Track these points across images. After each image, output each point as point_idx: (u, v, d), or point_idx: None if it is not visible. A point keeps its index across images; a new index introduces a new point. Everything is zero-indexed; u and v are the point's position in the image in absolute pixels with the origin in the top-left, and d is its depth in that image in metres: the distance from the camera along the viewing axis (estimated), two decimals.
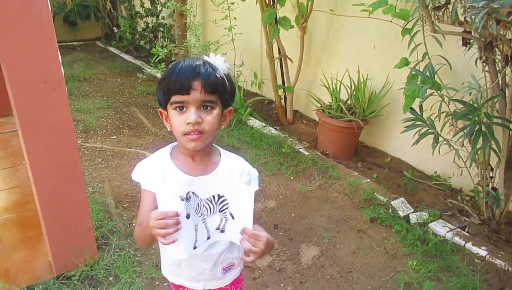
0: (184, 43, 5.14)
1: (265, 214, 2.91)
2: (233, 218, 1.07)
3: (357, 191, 3.17)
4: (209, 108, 1.11)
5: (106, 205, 2.95)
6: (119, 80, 6.06)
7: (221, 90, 1.11)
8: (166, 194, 0.99)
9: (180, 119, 1.10)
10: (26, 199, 2.96)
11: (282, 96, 4.56)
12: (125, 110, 4.87)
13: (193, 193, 1.02)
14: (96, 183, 3.23)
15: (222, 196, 1.06)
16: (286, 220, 2.86)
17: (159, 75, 6.02)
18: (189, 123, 1.08)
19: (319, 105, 3.86)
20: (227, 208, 1.07)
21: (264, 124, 4.33)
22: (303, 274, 2.38)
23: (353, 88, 3.67)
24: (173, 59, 5.73)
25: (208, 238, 1.12)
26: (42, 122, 1.99)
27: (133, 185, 3.28)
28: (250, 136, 4.03)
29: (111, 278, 2.29)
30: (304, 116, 4.69)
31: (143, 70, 6.32)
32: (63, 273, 2.24)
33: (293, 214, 2.93)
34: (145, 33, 7.25)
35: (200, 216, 1.07)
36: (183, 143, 1.14)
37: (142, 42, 7.62)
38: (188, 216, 1.02)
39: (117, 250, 2.49)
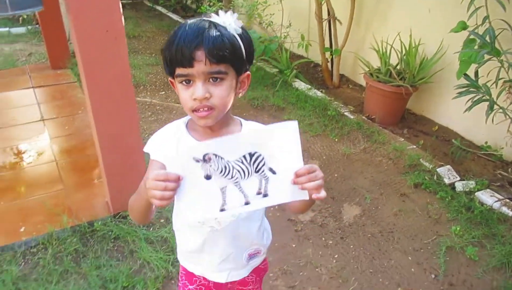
0: (231, 2, 5.12)
1: None
2: (274, 173, 0.92)
3: (402, 156, 3.15)
4: (218, 80, 0.95)
5: None
6: (166, 38, 6.15)
7: (231, 57, 0.95)
8: (176, 157, 0.90)
9: (186, 94, 0.97)
10: (84, 145, 3.15)
11: (329, 59, 4.50)
12: None
13: (215, 155, 0.89)
14: (146, 135, 3.38)
15: (255, 153, 0.90)
16: (329, 179, 2.90)
17: None
18: (195, 99, 0.95)
19: (367, 69, 3.79)
20: (263, 164, 0.91)
21: (309, 86, 4.31)
22: (344, 230, 2.44)
23: (403, 52, 3.57)
24: None
25: (247, 203, 0.94)
26: (103, 70, 2.10)
27: None
28: (295, 98, 4.04)
29: (162, 221, 2.44)
30: (350, 80, 4.63)
31: None
32: (119, 213, 2.41)
33: (336, 175, 2.96)
34: None
35: (230, 179, 0.92)
36: (194, 119, 1.02)
37: (189, 2, 7.64)
38: (208, 177, 0.91)
39: None
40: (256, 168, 0.91)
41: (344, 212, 2.60)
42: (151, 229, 2.37)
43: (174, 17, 7.35)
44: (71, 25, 2.01)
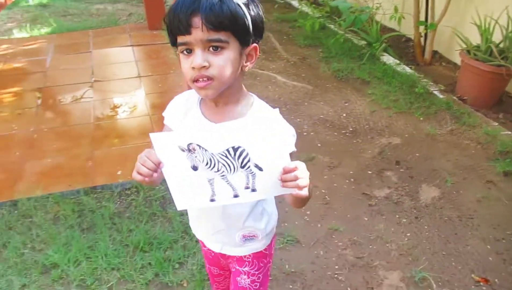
0: None
1: (388, 149, 2.91)
2: (261, 169, 0.90)
3: (493, 141, 2.95)
4: (218, 48, 0.92)
5: None
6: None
7: (232, 25, 0.91)
8: (165, 140, 0.89)
9: (187, 64, 0.94)
10: None
11: (423, 34, 4.26)
12: None
13: (198, 145, 0.87)
14: None
15: (239, 147, 0.87)
16: (409, 158, 2.83)
17: (295, 3, 6.02)
18: (194, 67, 0.92)
19: (464, 46, 3.54)
20: (248, 161, 0.88)
21: (398, 61, 4.14)
22: (420, 210, 2.40)
23: (510, 29, 3.28)
24: None
25: (236, 196, 0.95)
26: None
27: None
28: (382, 72, 3.91)
29: None
30: (444, 57, 4.35)
31: None
32: None
33: (417, 154, 2.87)
34: None
35: (216, 172, 0.91)
36: (195, 91, 1.00)
37: None
38: (195, 168, 0.90)
39: None
40: (242, 163, 0.89)
41: (422, 192, 2.54)
42: None
43: None
44: None
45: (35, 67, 4.27)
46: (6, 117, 3.36)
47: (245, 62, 0.98)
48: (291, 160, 0.90)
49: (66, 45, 4.84)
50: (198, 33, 0.89)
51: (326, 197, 2.49)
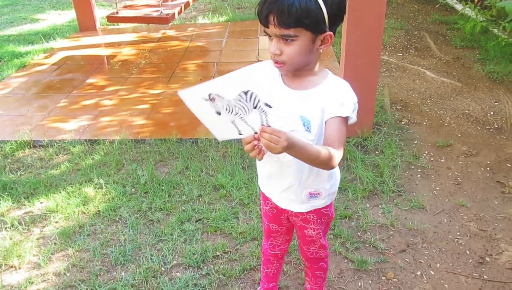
0: None
1: None
2: (270, 107, 1.02)
3: None
4: (289, 39, 1.11)
5: (383, 103, 3.51)
6: (415, 6, 6.28)
7: (300, 23, 1.08)
8: (191, 94, 1.04)
9: (269, 47, 1.17)
10: None
11: None
12: (415, 33, 5.17)
13: (217, 95, 1.01)
14: (378, 87, 3.80)
15: (248, 90, 1.00)
16: None
17: (458, 6, 5.94)
18: (271, 53, 1.15)
19: None
20: (258, 100, 1.01)
21: None
22: None
23: None
24: None
25: (256, 133, 1.07)
26: (363, 11, 2.59)
27: (409, 93, 3.71)
28: None
29: (377, 152, 2.89)
30: None
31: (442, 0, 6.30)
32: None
33: None
34: None
35: (235, 115, 1.05)
36: None
37: None
38: (218, 113, 1.05)
39: (386, 135, 3.05)
40: (254, 104, 1.01)
41: None
42: (366, 154, 2.85)
43: None
44: None
45: (213, 47, 5.15)
46: (191, 81, 4.21)
47: (320, 46, 1.16)
48: (347, 128, 1.16)
49: (239, 31, 5.68)
50: (273, 28, 1.11)
51: (458, 178, 2.64)
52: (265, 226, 1.62)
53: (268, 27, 1.11)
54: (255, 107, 1.02)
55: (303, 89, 1.22)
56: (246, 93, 1.00)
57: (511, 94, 3.60)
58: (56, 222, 2.42)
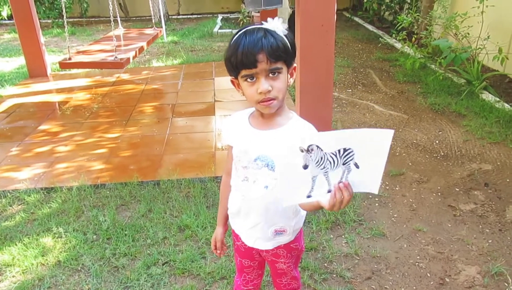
0: (429, 13, 5.34)
1: (478, 173, 3.11)
2: (357, 167, 1.04)
3: None
4: (276, 73, 1.19)
5: None
6: (359, 45, 6.72)
7: (284, 55, 1.19)
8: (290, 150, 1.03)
9: (252, 90, 1.20)
10: None
11: None
12: (361, 70, 5.51)
13: (317, 146, 1.01)
14: (332, 122, 3.99)
15: (349, 149, 1.02)
16: (500, 182, 3.00)
17: (398, 45, 6.41)
18: (261, 92, 1.18)
19: None
20: (351, 159, 1.03)
21: (498, 99, 4.27)
22: (505, 225, 2.57)
23: None
24: (415, 28, 6.00)
25: (329, 191, 1.08)
26: (314, 55, 2.77)
27: (360, 126, 3.91)
28: (479, 108, 4.09)
29: None
30: None
31: (383, 39, 6.79)
32: None
33: (508, 180, 3.03)
34: (392, 4, 7.63)
35: (322, 169, 1.05)
36: (258, 109, 1.27)
37: (386, 14, 8.03)
38: (306, 167, 1.04)
39: None
40: (344, 161, 1.03)
41: (509, 211, 2.70)
42: None
43: (370, 27, 7.86)
44: (297, 19, 2.74)
45: (169, 89, 5.21)
46: (148, 123, 4.21)
47: (289, 79, 1.26)
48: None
49: (193, 73, 5.79)
50: (263, 65, 1.16)
51: (413, 205, 2.79)
52: (237, 262, 1.64)
53: (256, 67, 1.16)
54: (343, 164, 1.04)
55: (270, 129, 1.29)
56: (346, 150, 1.02)
57: (453, 124, 3.89)
58: (13, 276, 2.29)
